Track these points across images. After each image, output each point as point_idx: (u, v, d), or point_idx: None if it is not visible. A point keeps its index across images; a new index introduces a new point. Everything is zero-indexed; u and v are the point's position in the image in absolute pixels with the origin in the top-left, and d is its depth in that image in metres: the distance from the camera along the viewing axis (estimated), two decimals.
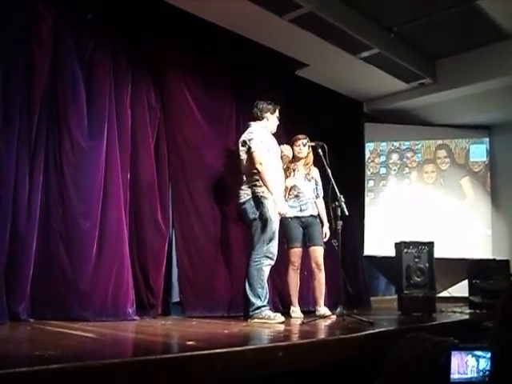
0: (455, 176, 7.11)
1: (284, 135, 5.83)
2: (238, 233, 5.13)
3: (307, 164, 5.03)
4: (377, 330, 3.59)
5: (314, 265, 4.88)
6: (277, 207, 4.30)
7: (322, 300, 4.90)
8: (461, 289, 6.26)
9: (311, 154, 4.99)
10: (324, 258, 5.02)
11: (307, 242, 4.90)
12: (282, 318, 4.13)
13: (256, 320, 4.11)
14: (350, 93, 6.79)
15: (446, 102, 6.62)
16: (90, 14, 4.23)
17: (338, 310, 4.18)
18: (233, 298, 4.89)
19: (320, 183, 5.04)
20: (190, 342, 2.73)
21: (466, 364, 1.11)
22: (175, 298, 4.72)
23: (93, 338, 3.06)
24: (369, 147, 7.14)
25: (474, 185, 7.09)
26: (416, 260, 5.25)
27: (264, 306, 4.17)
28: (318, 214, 4.99)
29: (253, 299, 4.17)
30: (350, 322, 4.01)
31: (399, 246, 5.33)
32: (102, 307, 3.92)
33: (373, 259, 6.76)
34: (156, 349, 2.85)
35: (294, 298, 4.88)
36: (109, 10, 4.36)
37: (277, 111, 4.65)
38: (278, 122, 4.67)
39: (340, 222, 4.38)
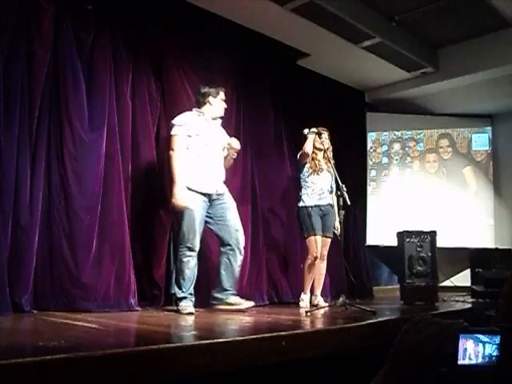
0: (457, 165, 7.09)
1: (285, 125, 5.85)
2: None
3: (326, 157, 4.97)
4: (379, 320, 3.60)
5: (323, 254, 4.90)
6: (173, 198, 4.02)
7: (319, 290, 4.94)
8: (463, 278, 6.27)
9: (330, 149, 4.96)
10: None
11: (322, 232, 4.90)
12: (191, 310, 3.93)
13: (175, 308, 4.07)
14: (351, 82, 6.77)
15: (448, 91, 6.60)
16: (90, 5, 4.22)
17: (341, 299, 4.18)
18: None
19: (336, 178, 4.93)
20: (193, 332, 2.74)
21: (474, 349, 1.10)
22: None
23: (96, 328, 3.07)
24: (371, 137, 7.13)
25: (477, 174, 7.08)
26: (418, 249, 5.25)
27: (184, 297, 4.00)
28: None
29: (175, 289, 4.09)
30: (352, 312, 4.02)
31: (401, 236, 5.33)
32: (104, 298, 3.94)
33: (375, 249, 6.76)
34: (159, 338, 2.85)
35: (309, 287, 4.88)
36: (109, 1, 4.34)
37: (221, 93, 4.35)
38: (224, 105, 4.38)
39: (342, 212, 4.38)
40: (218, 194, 4.23)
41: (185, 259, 4.02)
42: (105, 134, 4.16)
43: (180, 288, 4.02)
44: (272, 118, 5.76)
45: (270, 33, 5.31)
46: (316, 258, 4.79)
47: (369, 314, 3.91)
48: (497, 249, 5.97)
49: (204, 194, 4.14)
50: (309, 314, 4.04)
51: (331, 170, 4.89)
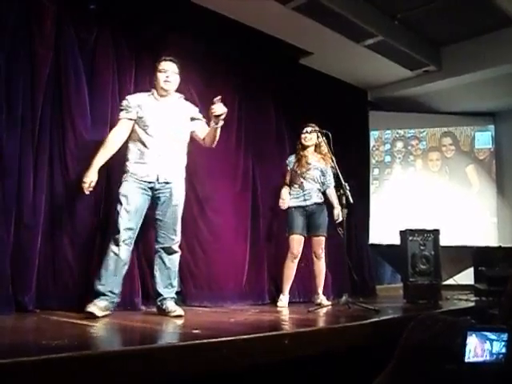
0: (460, 164, 7.08)
1: (287, 125, 5.84)
2: (239, 224, 5.14)
3: (317, 152, 5.00)
4: (382, 318, 3.60)
5: (313, 254, 4.93)
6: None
7: (320, 289, 4.94)
8: (466, 276, 6.25)
9: (323, 143, 4.92)
10: (329, 247, 5.02)
11: (309, 231, 4.92)
12: (93, 310, 3.34)
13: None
14: (354, 81, 6.77)
15: (450, 89, 6.58)
16: (92, 4, 4.22)
17: (344, 298, 4.19)
18: (233, 289, 4.90)
19: (330, 173, 4.98)
20: (196, 331, 2.74)
21: (481, 346, 1.10)
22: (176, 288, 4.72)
23: (99, 327, 3.07)
24: (373, 135, 7.12)
25: (480, 172, 7.06)
26: (421, 248, 5.25)
27: (102, 294, 3.47)
28: (324, 202, 4.98)
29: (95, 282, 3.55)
30: (355, 310, 4.02)
31: (404, 234, 5.33)
32: None
33: (378, 247, 6.76)
34: (162, 337, 2.86)
35: (286, 286, 4.88)
36: (111, 0, 4.34)
37: (161, 64, 3.86)
38: (164, 78, 3.82)
39: (345, 211, 4.38)
40: (163, 183, 3.76)
41: (109, 252, 3.56)
42: (107, 133, 4.14)
43: (100, 282, 3.49)
44: (273, 118, 5.74)
45: (272, 32, 5.30)
46: (295, 256, 4.83)
47: (372, 312, 3.91)
48: (500, 247, 5.96)
49: (143, 182, 3.71)
50: (310, 310, 4.05)
51: (321, 166, 4.91)
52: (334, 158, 4.56)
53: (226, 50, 5.22)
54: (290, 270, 4.87)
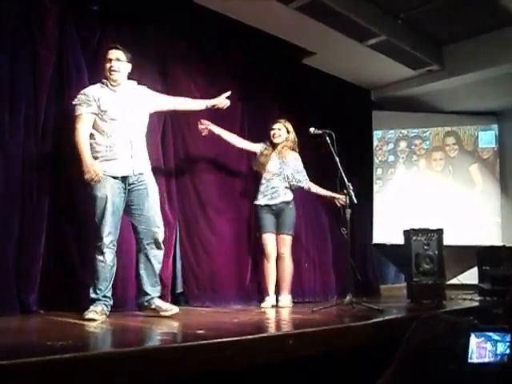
0: (464, 163, 7.07)
1: (290, 124, 5.82)
2: (242, 224, 5.13)
3: (284, 148, 4.86)
4: (386, 318, 3.60)
5: (280, 253, 4.76)
6: (85, 173, 3.42)
7: (285, 291, 4.75)
8: (470, 276, 6.24)
9: (291, 139, 4.88)
10: (333, 246, 5.01)
11: (277, 230, 4.79)
12: (93, 316, 3.30)
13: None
14: (357, 81, 6.75)
15: (453, 88, 6.56)
16: (94, 4, 4.22)
17: (348, 298, 4.18)
18: (236, 290, 4.90)
19: (301, 170, 4.85)
20: (201, 331, 2.74)
21: (484, 347, 1.09)
22: (179, 288, 4.72)
23: (102, 327, 3.08)
24: (377, 135, 7.11)
25: (483, 172, 7.04)
26: (425, 247, 5.24)
27: (97, 299, 3.44)
28: (292, 200, 4.84)
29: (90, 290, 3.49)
30: (359, 310, 4.01)
31: (408, 234, 5.32)
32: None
33: (382, 247, 6.75)
34: (166, 338, 2.86)
35: (268, 287, 4.70)
36: (113, 1, 4.34)
37: (107, 54, 3.66)
38: (109, 67, 3.62)
39: (349, 210, 4.37)
40: (136, 176, 3.61)
41: (95, 262, 3.45)
42: None
43: (94, 290, 3.44)
44: (276, 118, 5.72)
45: (274, 32, 5.30)
46: (270, 255, 4.71)
47: (376, 312, 3.91)
48: (504, 246, 5.94)
49: (117, 178, 3.54)
50: (315, 310, 4.05)
51: (291, 163, 4.80)
52: (337, 158, 4.54)
53: (228, 50, 5.21)
54: (269, 270, 4.72)
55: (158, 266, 3.68)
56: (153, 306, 3.59)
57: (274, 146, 4.90)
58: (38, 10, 3.87)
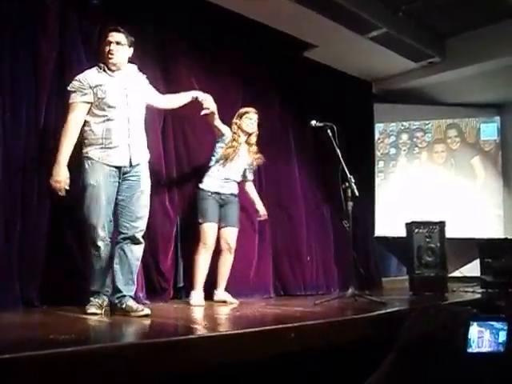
0: (466, 155, 7.06)
1: (291, 119, 5.82)
2: (243, 219, 5.12)
3: (249, 142, 4.66)
4: (389, 310, 3.61)
5: (225, 246, 4.47)
6: (51, 178, 3.29)
7: (223, 284, 4.48)
8: (472, 268, 6.25)
9: (255, 135, 4.68)
10: (335, 239, 4.98)
11: (222, 222, 4.48)
12: (95, 310, 3.28)
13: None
14: (358, 73, 6.74)
15: (455, 80, 6.54)
16: (96, 0, 4.20)
17: (350, 290, 4.18)
18: (236, 284, 4.89)
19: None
20: (203, 324, 2.74)
21: (484, 336, 1.09)
22: (180, 282, 4.71)
23: (105, 321, 3.09)
24: (378, 128, 7.11)
25: (485, 164, 7.04)
26: (427, 240, 5.25)
27: (97, 292, 3.36)
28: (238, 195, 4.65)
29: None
30: (361, 303, 4.02)
31: (410, 226, 5.33)
32: None
33: (384, 240, 6.75)
34: (169, 331, 2.87)
35: (199, 281, 4.30)
36: None
37: (107, 36, 3.48)
38: (107, 50, 3.44)
39: (350, 203, 4.35)
40: (132, 166, 3.43)
41: (91, 256, 3.35)
42: None
43: (92, 283, 3.36)
44: (277, 112, 5.72)
45: (276, 25, 5.29)
46: (210, 247, 4.35)
47: (378, 304, 3.92)
48: (506, 239, 5.94)
49: (112, 167, 3.37)
50: (317, 302, 4.06)
51: (248, 158, 4.64)
52: (339, 151, 4.52)
53: (230, 43, 5.20)
54: (205, 262, 4.33)
55: (135, 263, 3.43)
56: (123, 306, 3.28)
57: (241, 133, 4.61)
58: (39, 7, 3.85)
